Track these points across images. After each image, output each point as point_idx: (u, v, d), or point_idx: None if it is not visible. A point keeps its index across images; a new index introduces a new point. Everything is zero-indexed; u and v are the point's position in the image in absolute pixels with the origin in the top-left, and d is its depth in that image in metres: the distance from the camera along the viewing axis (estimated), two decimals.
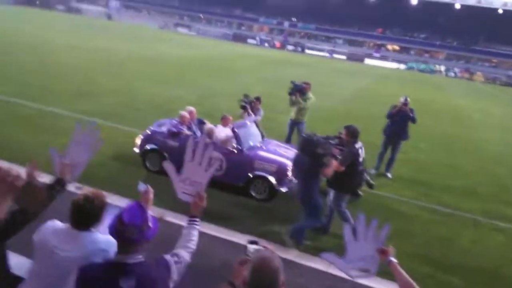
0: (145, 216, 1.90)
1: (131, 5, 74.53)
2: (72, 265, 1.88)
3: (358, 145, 5.20)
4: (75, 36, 28.81)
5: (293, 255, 4.74)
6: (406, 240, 5.39)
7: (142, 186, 2.66)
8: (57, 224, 2.18)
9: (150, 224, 1.90)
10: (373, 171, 7.95)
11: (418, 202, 7.00)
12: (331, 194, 5.39)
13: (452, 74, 52.19)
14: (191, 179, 2.28)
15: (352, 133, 5.21)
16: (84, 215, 2.10)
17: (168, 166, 2.38)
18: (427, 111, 16.12)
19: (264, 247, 2.30)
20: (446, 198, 7.39)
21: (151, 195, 2.63)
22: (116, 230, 1.83)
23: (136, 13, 73.09)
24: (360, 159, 5.20)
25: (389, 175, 8.11)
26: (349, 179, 5.17)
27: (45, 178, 2.10)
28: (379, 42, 61.85)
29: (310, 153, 4.80)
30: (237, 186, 6.34)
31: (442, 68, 53.34)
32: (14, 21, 33.20)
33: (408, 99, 7.93)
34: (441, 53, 58.34)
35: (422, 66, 54.14)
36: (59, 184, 2.16)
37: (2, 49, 16.98)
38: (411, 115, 7.82)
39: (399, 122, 7.88)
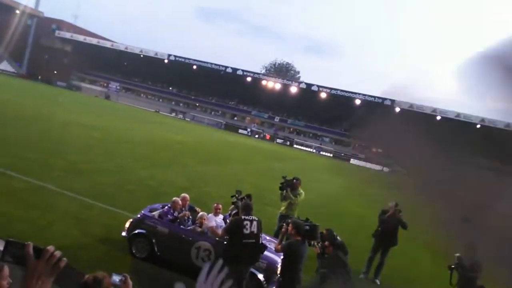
0: None
1: (130, 88, 78.00)
2: None
3: (249, 218, 5.38)
4: (74, 112, 29.62)
5: None
6: None
7: (116, 278, 2.60)
8: None
9: None
10: (362, 276, 7.82)
11: None
12: None
13: None
14: None
15: (242, 207, 5.62)
16: None
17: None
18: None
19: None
20: None
21: (129, 281, 2.58)
22: None
23: (134, 96, 76.20)
24: (246, 231, 5.28)
25: (377, 281, 7.96)
26: (230, 249, 5.35)
27: None
28: (363, 144, 64.64)
29: None
30: None
31: None
32: (15, 94, 34.21)
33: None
34: None
35: None
36: None
37: (2, 122, 17.27)
38: (403, 221, 7.89)
39: (390, 228, 7.93)
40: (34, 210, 7.35)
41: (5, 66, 70.24)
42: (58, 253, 1.27)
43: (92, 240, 6.56)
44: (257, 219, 5.47)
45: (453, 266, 6.48)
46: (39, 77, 71.63)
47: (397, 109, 58.96)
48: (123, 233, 6.74)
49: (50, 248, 1.28)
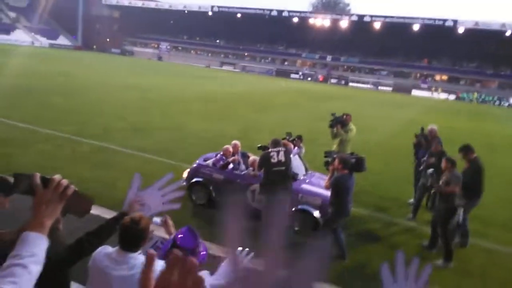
0: (197, 241, 2.03)
1: (179, 46, 78.91)
2: (125, 282, 2.03)
3: (276, 149, 5.86)
4: (129, 76, 30.80)
5: None
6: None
7: (157, 219, 2.82)
8: (108, 248, 2.33)
9: (201, 249, 2.03)
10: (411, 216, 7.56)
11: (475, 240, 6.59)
12: None
13: (506, 104, 49.66)
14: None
15: (271, 142, 6.05)
16: (132, 236, 2.24)
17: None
18: (485, 143, 15.30)
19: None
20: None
21: (170, 221, 2.82)
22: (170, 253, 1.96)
23: (184, 54, 77.12)
24: (274, 160, 5.77)
25: None
26: (264, 178, 5.89)
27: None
28: (425, 73, 60.44)
29: None
30: None
31: (496, 97, 51.09)
32: (74, 65, 36.12)
33: (433, 127, 7.75)
34: (493, 82, 55.78)
35: (473, 96, 52.04)
36: (123, 218, 2.30)
37: (64, 92, 18.48)
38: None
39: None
40: (100, 170, 7.96)
41: (62, 40, 74.09)
42: (65, 182, 1.31)
43: None
44: (284, 149, 5.93)
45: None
46: (94, 47, 74.76)
47: (461, 30, 53.84)
48: (183, 182, 7.09)
49: (57, 177, 1.31)
